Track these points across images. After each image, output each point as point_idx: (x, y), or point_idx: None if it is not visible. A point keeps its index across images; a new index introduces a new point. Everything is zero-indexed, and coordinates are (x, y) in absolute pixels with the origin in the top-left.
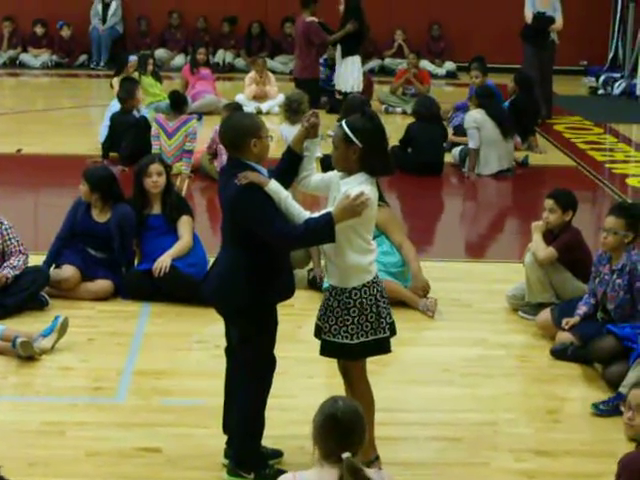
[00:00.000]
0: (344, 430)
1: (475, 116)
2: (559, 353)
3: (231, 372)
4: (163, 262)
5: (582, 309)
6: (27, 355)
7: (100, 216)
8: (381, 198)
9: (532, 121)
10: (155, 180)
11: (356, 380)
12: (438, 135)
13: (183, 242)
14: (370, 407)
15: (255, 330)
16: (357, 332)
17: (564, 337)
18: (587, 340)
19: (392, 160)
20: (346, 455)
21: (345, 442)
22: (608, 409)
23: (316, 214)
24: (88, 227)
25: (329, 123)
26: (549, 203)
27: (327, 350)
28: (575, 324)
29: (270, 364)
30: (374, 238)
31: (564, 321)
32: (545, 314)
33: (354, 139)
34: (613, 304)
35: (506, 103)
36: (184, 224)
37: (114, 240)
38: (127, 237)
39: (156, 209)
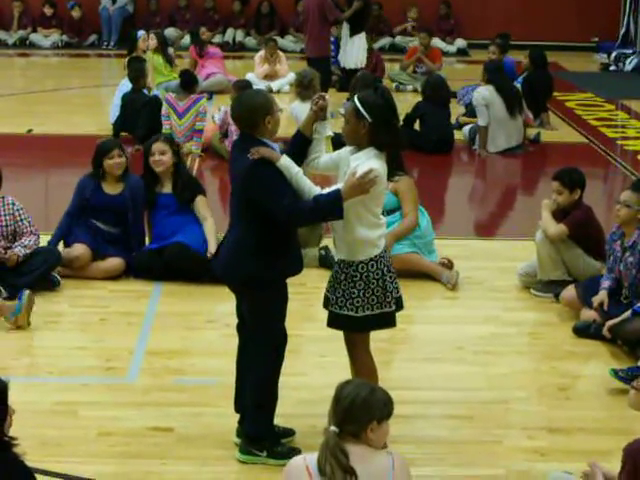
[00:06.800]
0: (341, 405)
1: (483, 93)
2: (582, 330)
3: (243, 349)
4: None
5: (606, 283)
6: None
7: (112, 189)
8: (402, 169)
9: (545, 98)
10: (157, 159)
11: (359, 352)
12: (446, 115)
13: (209, 224)
14: (370, 380)
15: (265, 303)
16: (363, 305)
17: (589, 314)
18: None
19: (402, 136)
20: (332, 428)
21: (340, 418)
22: (626, 377)
23: (326, 190)
24: (101, 201)
25: (339, 101)
26: (555, 184)
27: (333, 322)
28: (603, 299)
29: (281, 338)
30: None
31: (594, 300)
32: (570, 291)
33: (364, 113)
34: (627, 282)
35: (520, 79)
36: (202, 206)
37: (128, 211)
38: (138, 208)
39: (167, 188)
